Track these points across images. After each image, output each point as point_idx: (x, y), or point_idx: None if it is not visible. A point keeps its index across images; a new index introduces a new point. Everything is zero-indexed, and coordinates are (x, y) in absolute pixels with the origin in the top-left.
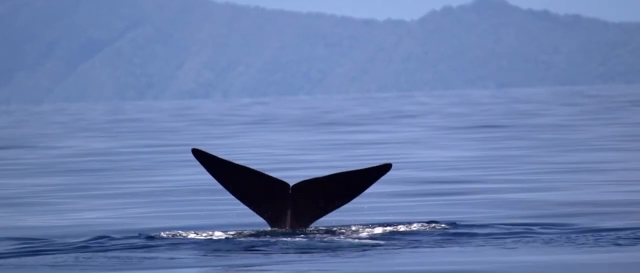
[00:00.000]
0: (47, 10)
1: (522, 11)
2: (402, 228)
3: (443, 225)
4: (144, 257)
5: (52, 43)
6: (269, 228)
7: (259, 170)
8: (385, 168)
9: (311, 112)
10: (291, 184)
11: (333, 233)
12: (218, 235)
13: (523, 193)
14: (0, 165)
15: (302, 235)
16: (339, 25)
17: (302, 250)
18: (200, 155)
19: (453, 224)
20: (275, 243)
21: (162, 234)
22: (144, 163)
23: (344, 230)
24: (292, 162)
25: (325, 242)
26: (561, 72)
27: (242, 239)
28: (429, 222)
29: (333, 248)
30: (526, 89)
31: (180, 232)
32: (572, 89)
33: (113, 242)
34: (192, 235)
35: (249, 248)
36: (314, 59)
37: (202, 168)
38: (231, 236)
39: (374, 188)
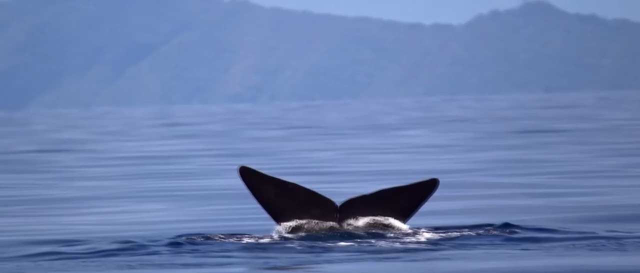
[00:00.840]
0: (94, 15)
1: (570, 15)
2: (454, 233)
3: (495, 230)
4: (189, 262)
5: (99, 47)
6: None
7: (307, 187)
8: (432, 183)
9: (360, 115)
10: (338, 203)
11: (382, 236)
12: (265, 238)
13: (577, 198)
14: (49, 168)
15: (349, 239)
16: (385, 29)
17: (349, 252)
18: (248, 174)
19: (506, 228)
20: (323, 246)
21: (208, 237)
22: (194, 167)
23: (392, 233)
24: (343, 166)
25: (373, 244)
26: (608, 76)
27: (289, 244)
28: (481, 226)
29: (381, 251)
30: (573, 92)
31: (220, 235)
32: (619, 94)
33: (159, 245)
34: (246, 239)
35: (297, 251)
36: (360, 63)
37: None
38: (278, 239)
39: None
